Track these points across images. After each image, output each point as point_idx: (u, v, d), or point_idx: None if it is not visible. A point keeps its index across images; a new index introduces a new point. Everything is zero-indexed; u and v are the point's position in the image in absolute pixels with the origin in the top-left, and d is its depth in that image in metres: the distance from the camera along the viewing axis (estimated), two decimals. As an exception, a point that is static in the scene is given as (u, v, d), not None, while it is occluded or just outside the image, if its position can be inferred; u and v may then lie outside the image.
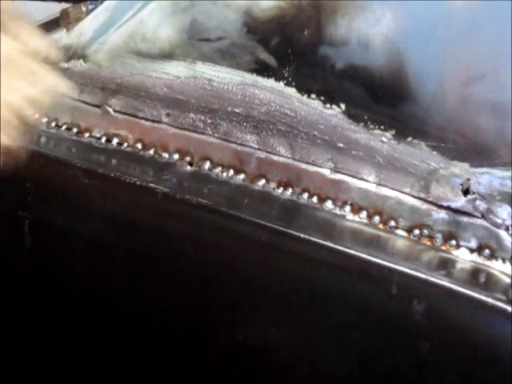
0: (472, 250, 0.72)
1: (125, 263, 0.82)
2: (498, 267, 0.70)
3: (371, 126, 0.77)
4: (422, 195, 0.74)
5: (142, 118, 0.88)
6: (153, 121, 0.87)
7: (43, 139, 0.90)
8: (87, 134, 0.90)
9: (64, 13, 1.26)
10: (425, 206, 0.74)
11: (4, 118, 0.56)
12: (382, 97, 0.77)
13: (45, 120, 0.93)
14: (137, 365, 0.84)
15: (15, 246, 0.87)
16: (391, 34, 0.77)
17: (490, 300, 0.63)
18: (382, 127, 0.76)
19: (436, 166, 0.74)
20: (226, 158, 0.83)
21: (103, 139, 0.89)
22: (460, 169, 0.73)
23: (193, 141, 0.84)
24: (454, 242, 0.72)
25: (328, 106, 0.79)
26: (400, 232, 0.75)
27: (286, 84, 0.81)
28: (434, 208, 0.74)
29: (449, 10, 0.76)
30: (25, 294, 0.90)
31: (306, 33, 0.81)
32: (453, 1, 0.76)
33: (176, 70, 0.87)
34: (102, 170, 0.82)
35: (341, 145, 0.78)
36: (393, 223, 0.75)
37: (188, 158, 0.84)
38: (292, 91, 0.81)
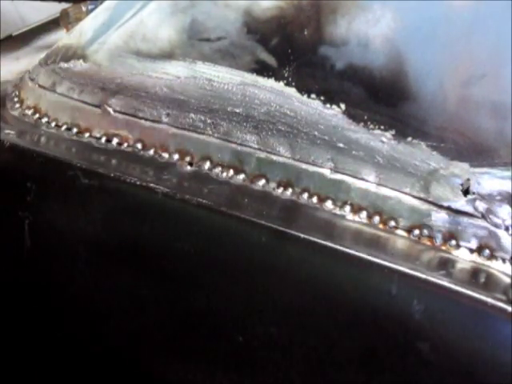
0: (472, 250, 0.72)
1: (125, 263, 0.82)
2: (497, 267, 0.70)
3: (371, 126, 0.77)
4: (422, 195, 0.74)
5: (141, 118, 0.88)
6: (153, 121, 0.87)
7: (43, 139, 0.90)
8: (87, 134, 0.90)
9: (64, 13, 1.27)
10: (425, 206, 0.74)
11: None
12: (381, 97, 0.77)
13: (45, 120, 0.93)
14: (136, 364, 0.84)
15: (15, 246, 0.87)
16: (391, 34, 0.77)
17: (490, 300, 0.63)
18: (381, 127, 0.76)
19: (436, 166, 0.74)
20: (225, 158, 0.83)
21: (103, 139, 0.89)
22: (460, 169, 0.73)
23: (193, 141, 0.84)
24: (453, 242, 0.72)
25: (328, 106, 0.79)
26: (400, 232, 0.75)
27: (286, 84, 0.81)
28: (434, 208, 0.74)
29: (449, 10, 0.76)
30: (25, 294, 0.90)
31: (305, 33, 0.81)
32: (453, 1, 0.76)
33: (176, 70, 0.87)
34: (102, 170, 0.82)
35: (341, 145, 0.78)
36: (393, 223, 0.75)
37: (188, 158, 0.84)
38: (292, 91, 0.81)
